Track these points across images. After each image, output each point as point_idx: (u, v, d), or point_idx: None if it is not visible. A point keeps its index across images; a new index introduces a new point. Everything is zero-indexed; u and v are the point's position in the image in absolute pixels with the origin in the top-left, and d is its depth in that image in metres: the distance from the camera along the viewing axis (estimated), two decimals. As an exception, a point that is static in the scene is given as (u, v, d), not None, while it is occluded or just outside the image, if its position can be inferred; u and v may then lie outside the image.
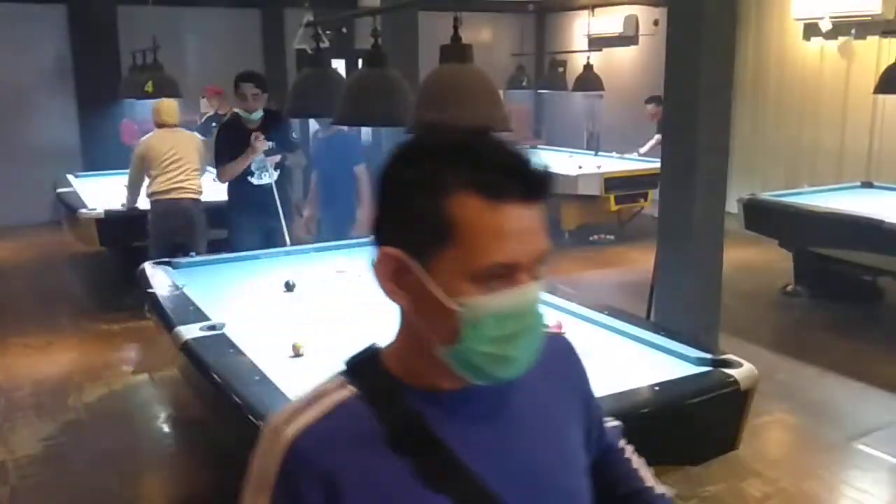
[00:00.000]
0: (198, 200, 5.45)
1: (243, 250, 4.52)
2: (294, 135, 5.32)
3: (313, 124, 7.03)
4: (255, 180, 5.00)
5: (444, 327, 0.98)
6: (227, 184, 5.11)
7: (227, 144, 4.98)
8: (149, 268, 3.92)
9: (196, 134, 5.86)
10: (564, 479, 1.11)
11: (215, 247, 5.22)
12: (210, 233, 5.47)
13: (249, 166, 4.97)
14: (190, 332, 2.90)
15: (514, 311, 0.97)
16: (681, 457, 2.59)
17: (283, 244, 4.83)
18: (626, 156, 8.85)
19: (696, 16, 4.13)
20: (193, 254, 4.58)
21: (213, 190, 5.57)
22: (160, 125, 5.48)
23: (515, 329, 0.98)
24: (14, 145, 9.19)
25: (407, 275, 0.99)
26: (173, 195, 5.34)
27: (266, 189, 5.02)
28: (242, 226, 5.05)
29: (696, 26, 4.14)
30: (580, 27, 10.73)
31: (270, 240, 4.90)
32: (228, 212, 5.19)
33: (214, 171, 5.23)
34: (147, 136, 5.55)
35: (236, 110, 5.01)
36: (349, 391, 1.03)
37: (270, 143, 4.91)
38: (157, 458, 3.84)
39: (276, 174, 5.04)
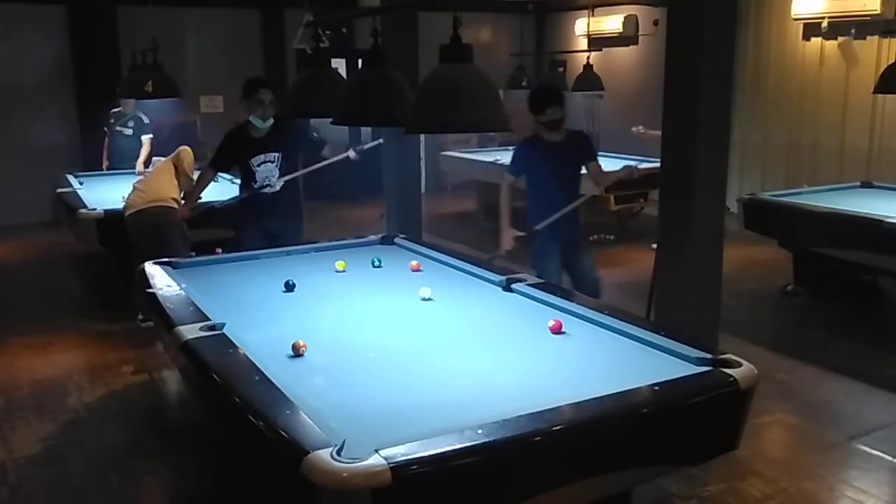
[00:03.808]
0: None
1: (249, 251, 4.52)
2: (315, 134, 5.22)
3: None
4: (256, 186, 5.00)
5: None
6: (237, 186, 5.17)
7: (228, 152, 5.02)
8: (149, 268, 3.92)
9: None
10: None
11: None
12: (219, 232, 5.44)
13: (254, 175, 4.94)
14: (190, 332, 2.90)
15: None
16: (681, 457, 2.59)
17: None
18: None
19: (695, 16, 4.13)
20: (193, 254, 4.58)
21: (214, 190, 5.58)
22: None
23: None
24: (14, 145, 9.20)
25: None
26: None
27: (271, 195, 5.00)
28: (246, 228, 5.08)
29: (696, 26, 4.14)
30: (580, 27, 10.73)
31: (274, 243, 4.86)
32: (235, 214, 5.20)
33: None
34: None
35: (250, 118, 4.91)
36: None
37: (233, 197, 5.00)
38: (157, 458, 3.84)
39: (280, 183, 5.00)
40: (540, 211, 4.68)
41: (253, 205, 5.03)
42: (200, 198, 5.39)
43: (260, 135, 4.91)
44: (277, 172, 4.98)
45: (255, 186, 4.98)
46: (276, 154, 4.93)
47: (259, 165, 4.96)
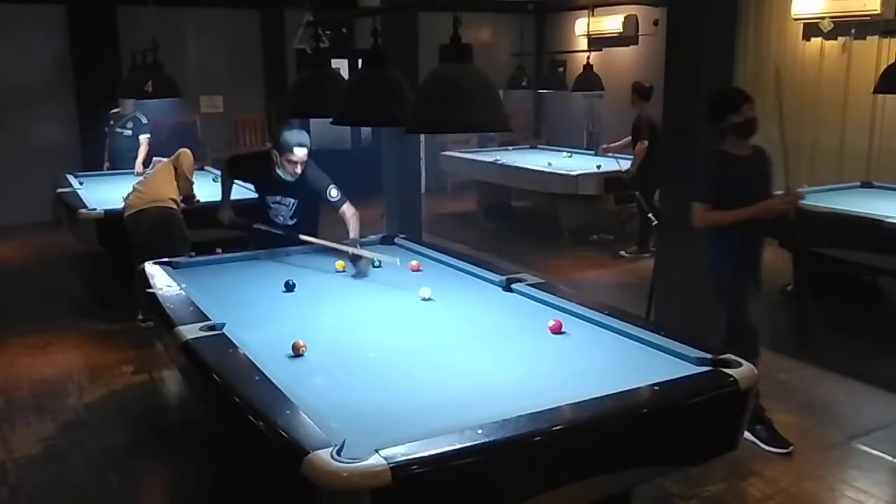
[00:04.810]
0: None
1: None
2: (333, 193, 4.55)
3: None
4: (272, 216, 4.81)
5: None
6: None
7: (246, 175, 4.95)
8: (149, 268, 3.92)
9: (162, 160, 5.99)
10: None
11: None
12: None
13: (269, 209, 4.82)
14: (190, 332, 2.90)
15: None
16: (681, 457, 2.60)
17: None
18: (596, 152, 8.75)
19: (695, 16, 4.14)
20: (193, 254, 4.58)
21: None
22: None
23: None
24: (14, 145, 9.20)
25: None
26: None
27: (284, 227, 4.77)
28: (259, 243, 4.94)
29: (696, 26, 4.14)
30: (580, 27, 10.73)
31: None
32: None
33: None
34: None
35: (278, 170, 4.55)
36: None
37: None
38: (157, 458, 3.84)
39: (293, 221, 4.74)
40: (738, 247, 3.79)
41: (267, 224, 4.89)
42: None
43: (283, 179, 4.64)
44: (289, 215, 4.74)
45: (270, 213, 4.85)
46: (293, 200, 4.72)
47: (273, 204, 4.84)
